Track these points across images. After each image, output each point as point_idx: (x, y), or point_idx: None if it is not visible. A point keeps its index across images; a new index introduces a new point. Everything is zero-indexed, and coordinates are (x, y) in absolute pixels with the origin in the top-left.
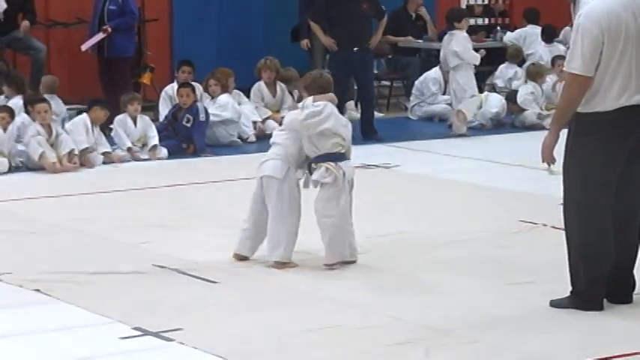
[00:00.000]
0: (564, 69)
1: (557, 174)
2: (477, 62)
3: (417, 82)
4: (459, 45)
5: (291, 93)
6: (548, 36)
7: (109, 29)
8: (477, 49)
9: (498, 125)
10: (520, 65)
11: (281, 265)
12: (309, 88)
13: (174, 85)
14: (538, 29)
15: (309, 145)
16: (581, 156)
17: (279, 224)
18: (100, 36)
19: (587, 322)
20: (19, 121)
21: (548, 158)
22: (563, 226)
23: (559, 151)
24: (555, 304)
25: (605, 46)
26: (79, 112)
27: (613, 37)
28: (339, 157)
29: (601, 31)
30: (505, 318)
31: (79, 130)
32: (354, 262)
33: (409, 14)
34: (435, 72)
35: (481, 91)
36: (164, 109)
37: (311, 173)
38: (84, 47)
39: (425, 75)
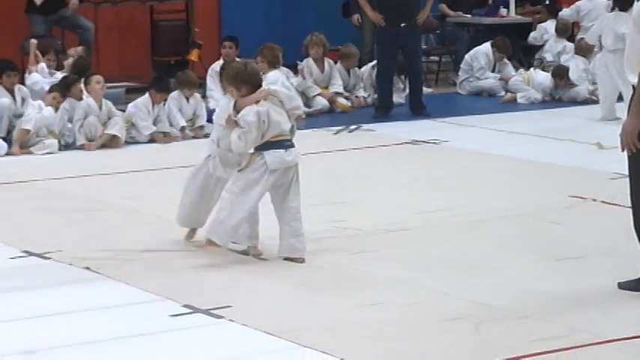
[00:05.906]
0: None
1: (607, 148)
2: None
3: (466, 57)
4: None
5: (348, 71)
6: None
7: None
8: None
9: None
10: (569, 40)
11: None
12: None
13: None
14: (595, 1)
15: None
16: None
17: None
18: None
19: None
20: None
21: (631, 145)
22: (613, 202)
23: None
24: (622, 286)
25: None
26: (127, 91)
27: None
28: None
29: None
30: (554, 293)
31: (142, 114)
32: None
33: None
34: (485, 47)
35: (530, 65)
36: (212, 86)
37: None
38: None
39: (475, 49)
